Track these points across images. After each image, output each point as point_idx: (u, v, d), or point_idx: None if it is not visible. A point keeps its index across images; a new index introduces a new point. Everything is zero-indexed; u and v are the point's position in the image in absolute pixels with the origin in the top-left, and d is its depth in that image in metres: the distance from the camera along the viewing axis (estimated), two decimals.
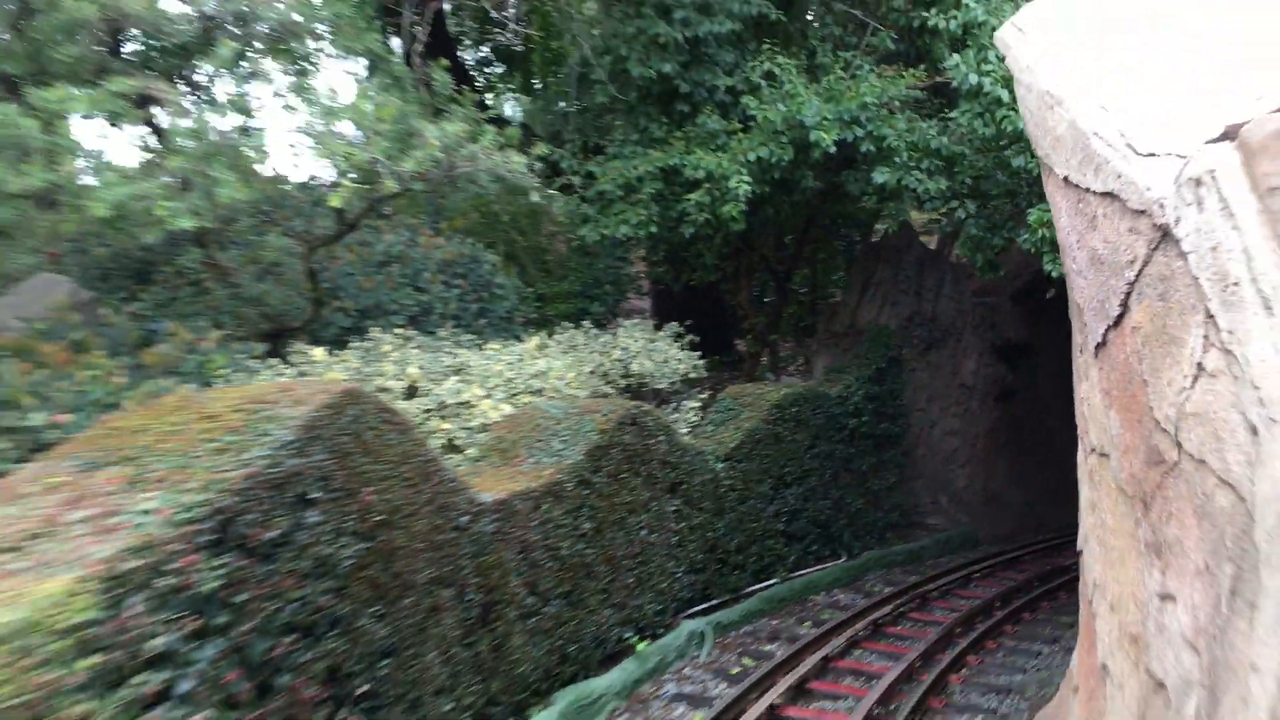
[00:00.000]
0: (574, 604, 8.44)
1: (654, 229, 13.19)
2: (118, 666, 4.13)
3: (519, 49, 17.98)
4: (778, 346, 19.01)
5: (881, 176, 12.39)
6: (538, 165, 11.59)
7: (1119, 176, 5.29)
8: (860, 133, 12.34)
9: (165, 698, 4.37)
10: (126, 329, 9.45)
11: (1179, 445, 4.55)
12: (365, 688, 5.85)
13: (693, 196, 12.58)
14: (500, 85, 20.36)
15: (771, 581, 12.13)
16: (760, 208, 13.69)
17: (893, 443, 15.47)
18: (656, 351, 13.06)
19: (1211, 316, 4.33)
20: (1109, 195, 5.45)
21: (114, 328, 9.31)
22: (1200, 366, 4.39)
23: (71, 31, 7.55)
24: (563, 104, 15.29)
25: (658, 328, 14.12)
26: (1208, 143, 4.77)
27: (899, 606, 12.09)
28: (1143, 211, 5.01)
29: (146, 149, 9.05)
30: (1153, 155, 5.20)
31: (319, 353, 9.84)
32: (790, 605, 12.14)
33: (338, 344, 10.69)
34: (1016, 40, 6.84)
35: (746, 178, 12.08)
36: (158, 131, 8.85)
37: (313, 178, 9.10)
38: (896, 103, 12.88)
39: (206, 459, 4.92)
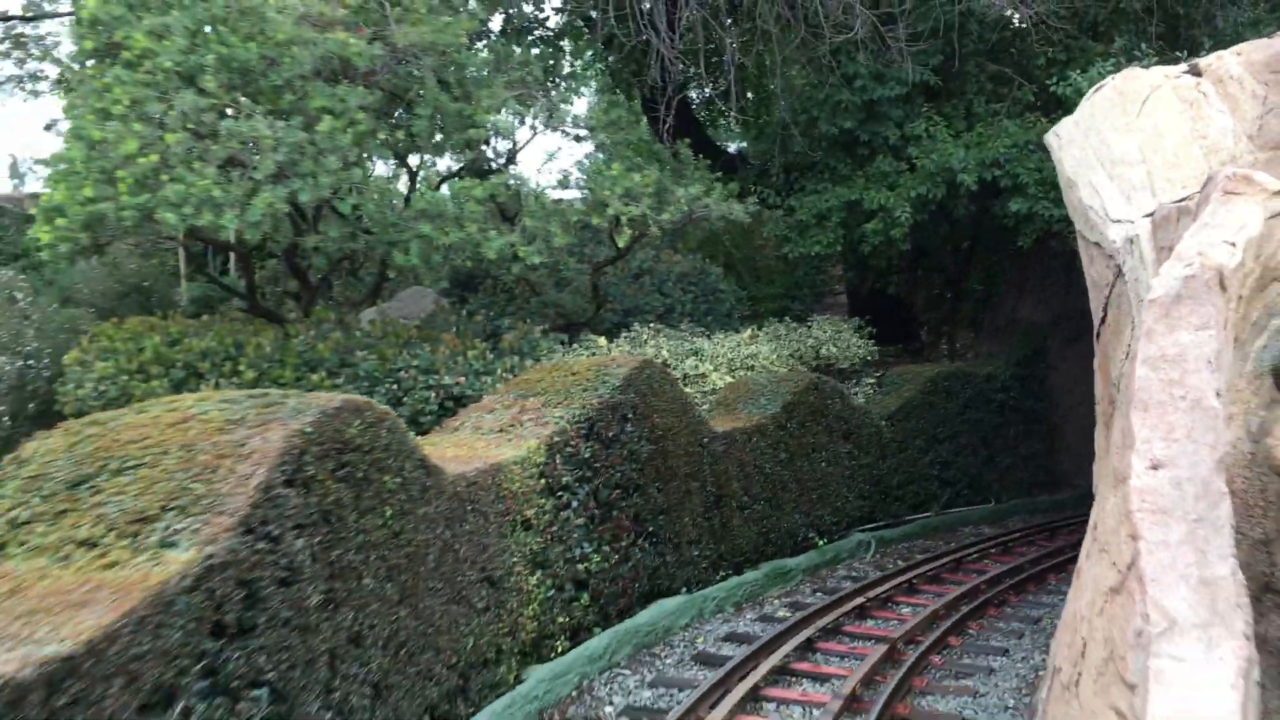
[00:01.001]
0: (774, 506, 12.73)
1: (839, 248, 17.29)
2: (549, 487, 8.72)
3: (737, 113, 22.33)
4: (954, 337, 22.66)
5: (1016, 206, 16.07)
6: (751, 199, 15.87)
7: (1102, 234, 9.17)
8: (999, 172, 16.05)
9: (567, 506, 8.94)
10: (480, 324, 14.38)
11: (1119, 392, 8.44)
12: (650, 529, 10.32)
13: (868, 226, 16.62)
14: (725, 122, 24.74)
15: (926, 514, 16.06)
16: (924, 229, 17.55)
17: (1039, 417, 19.00)
18: (841, 339, 17.16)
19: (1136, 317, 8.23)
20: (1097, 244, 9.31)
21: (474, 322, 14.25)
22: (1129, 347, 8.26)
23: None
24: (770, 146, 19.54)
25: (844, 321, 18.17)
26: (1143, 217, 8.64)
27: (1028, 535, 15.79)
28: (1111, 255, 8.90)
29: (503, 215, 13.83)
30: (1118, 221, 9.07)
31: (601, 341, 14.49)
32: (941, 532, 16.04)
33: (610, 334, 15.36)
34: (1054, 142, 10.62)
35: (908, 209, 16.02)
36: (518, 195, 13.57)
37: (594, 223, 13.52)
38: (1031, 145, 16.48)
39: (578, 393, 9.49)
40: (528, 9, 16.89)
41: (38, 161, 17.12)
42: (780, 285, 19.52)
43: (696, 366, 14.13)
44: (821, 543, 13.64)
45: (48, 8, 17.43)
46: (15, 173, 25.31)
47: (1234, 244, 7.08)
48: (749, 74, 19.01)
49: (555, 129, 14.32)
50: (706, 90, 22.10)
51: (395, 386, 11.92)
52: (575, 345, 14.37)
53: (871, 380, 17.17)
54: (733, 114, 17.57)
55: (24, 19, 17.95)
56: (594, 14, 15.95)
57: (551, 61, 16.01)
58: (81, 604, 4.01)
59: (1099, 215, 9.48)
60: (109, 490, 4.94)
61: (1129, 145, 9.93)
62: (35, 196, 13.86)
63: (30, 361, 12.92)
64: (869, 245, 17.12)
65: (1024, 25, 17.69)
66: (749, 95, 20.19)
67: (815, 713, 8.26)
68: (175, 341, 12.41)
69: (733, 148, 23.27)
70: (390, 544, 6.27)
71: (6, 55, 18.24)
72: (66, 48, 16.95)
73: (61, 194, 10.82)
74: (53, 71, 17.58)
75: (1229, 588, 5.63)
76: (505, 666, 8.00)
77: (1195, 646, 5.60)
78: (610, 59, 18.66)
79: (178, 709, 4.29)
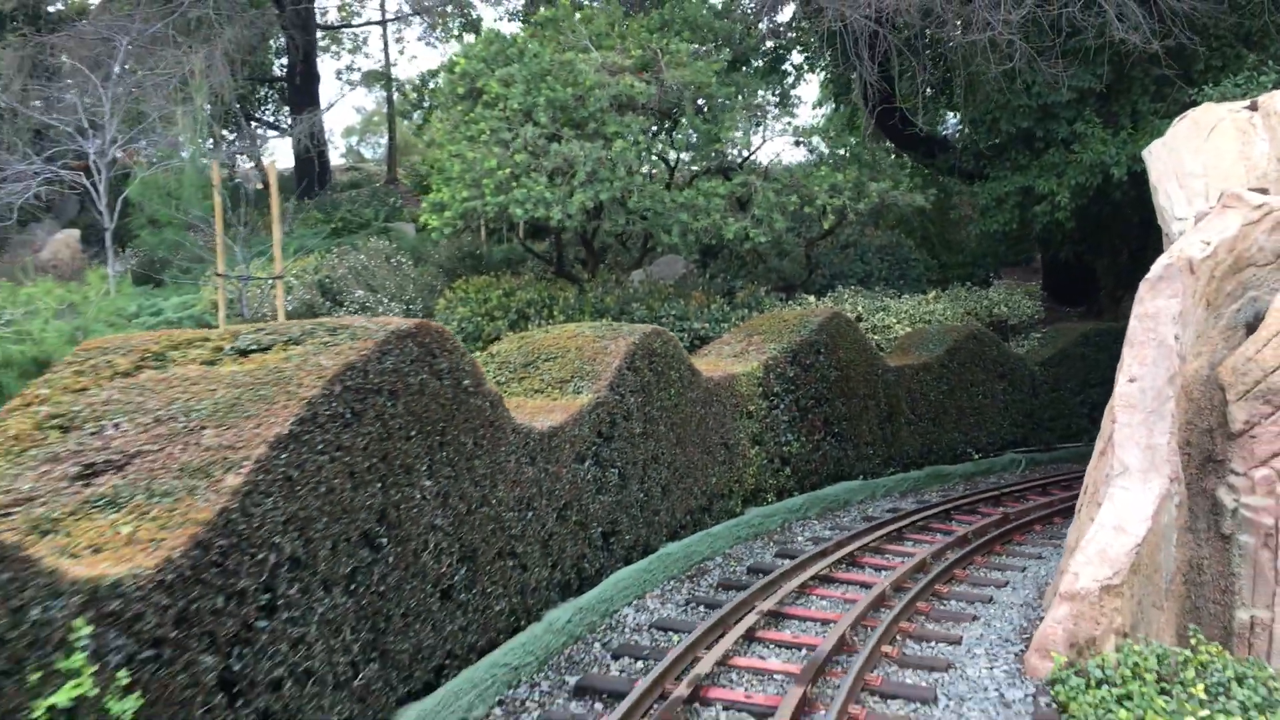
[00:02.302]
0: (935, 425, 16.95)
1: (1014, 226, 21.04)
2: (765, 393, 13.38)
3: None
4: (1129, 299, 25.75)
5: None
6: (931, 190, 19.89)
7: (1169, 229, 13.01)
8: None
9: (776, 407, 13.59)
10: (719, 284, 19.17)
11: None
12: (836, 430, 14.84)
13: (1037, 208, 20.31)
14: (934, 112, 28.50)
15: (1076, 443, 19.77)
16: (1086, 211, 21.03)
17: None
18: (1013, 300, 20.96)
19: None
20: (1167, 236, 13.15)
21: (715, 283, 19.06)
22: None
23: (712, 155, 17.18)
24: (959, 137, 23.35)
25: (1022, 285, 21.87)
26: (1192, 218, 12.48)
27: None
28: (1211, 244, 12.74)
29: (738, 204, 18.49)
30: (1179, 219, 12.91)
31: (811, 299, 18.98)
32: (1086, 459, 19.70)
33: (820, 294, 19.81)
34: (1148, 157, 14.33)
35: (1068, 195, 19.63)
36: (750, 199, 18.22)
37: (806, 211, 17.91)
38: None
39: (786, 334, 14.09)
40: (766, 43, 21.47)
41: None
42: (969, 255, 23.36)
43: (884, 319, 18.44)
44: (977, 457, 17.75)
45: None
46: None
47: (1208, 242, 11.03)
48: (939, 78, 22.79)
49: (780, 136, 18.75)
50: (921, 85, 25.97)
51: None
52: (790, 301, 18.95)
53: (1038, 334, 20.89)
54: (919, 125, 21.51)
55: (348, 26, 23.70)
56: (813, 42, 20.32)
57: (778, 88, 20.48)
58: (552, 410, 9.02)
59: (1168, 215, 13.38)
60: (543, 369, 9.99)
61: (1196, 163, 13.77)
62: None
63: (410, 306, 18.64)
64: (1039, 224, 20.79)
65: (1187, 37, 20.78)
66: (943, 96, 23.93)
67: (933, 545, 12.63)
68: (509, 294, 17.78)
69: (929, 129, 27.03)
70: (672, 410, 11.13)
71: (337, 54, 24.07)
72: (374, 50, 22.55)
73: (445, 194, 16.26)
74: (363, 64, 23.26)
75: (1163, 451, 9.82)
76: (733, 502, 12.79)
77: (1137, 482, 9.84)
78: (831, 72, 22.95)
79: (585, 464, 9.27)
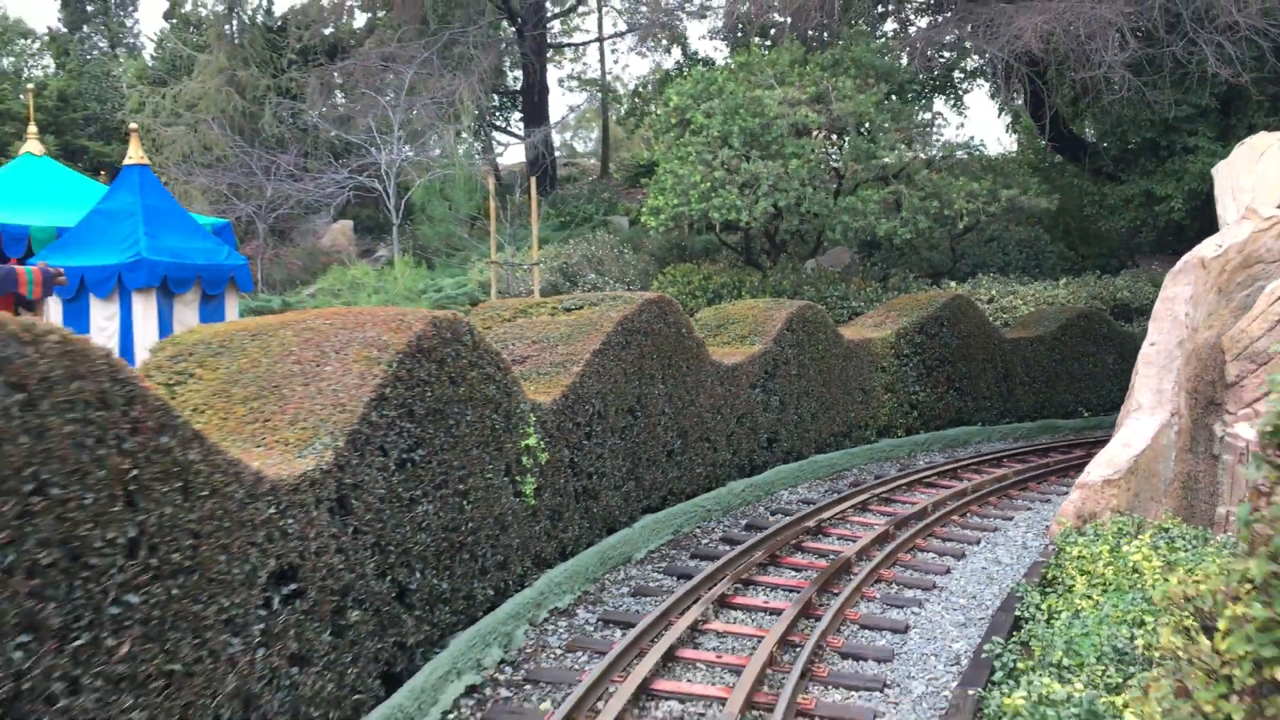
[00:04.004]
0: (1048, 386, 21.00)
1: (1138, 224, 24.60)
2: (896, 353, 17.91)
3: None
4: None
5: None
6: (1055, 195, 23.71)
7: (1223, 232, 16.90)
8: None
9: (906, 364, 18.11)
10: (876, 271, 23.66)
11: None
12: (957, 385, 19.19)
13: (1158, 208, 23.85)
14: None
15: None
16: (1204, 210, 24.37)
17: None
18: (1136, 286, 24.54)
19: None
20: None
21: (872, 270, 23.57)
22: None
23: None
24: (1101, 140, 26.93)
25: (1147, 272, 25.33)
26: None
27: None
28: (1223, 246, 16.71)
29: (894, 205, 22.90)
30: (1226, 225, 16.80)
31: (954, 285, 23.20)
32: None
33: (962, 281, 23.99)
34: (1214, 174, 18.03)
35: (1181, 199, 23.12)
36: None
37: (946, 214, 22.11)
38: None
39: (917, 310, 18.54)
40: (920, 75, 25.78)
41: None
42: (1104, 246, 26.93)
43: (1012, 301, 22.54)
44: (1087, 415, 21.67)
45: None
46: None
47: (1220, 245, 14.97)
48: (1075, 96, 26.42)
49: (927, 152, 23.16)
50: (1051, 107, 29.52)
51: (824, 305, 21.54)
52: (934, 286, 23.25)
53: None
54: (1046, 143, 25.30)
55: (572, 45, 29.02)
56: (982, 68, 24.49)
57: (931, 108, 24.73)
58: (735, 354, 14.00)
59: (1223, 222, 17.22)
60: (730, 329, 14.97)
61: (1248, 181, 17.59)
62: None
63: (630, 287, 23.92)
64: (1161, 220, 24.30)
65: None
66: (1083, 108, 27.52)
67: (1020, 468, 16.90)
68: (707, 278, 22.80)
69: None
70: (819, 360, 15.88)
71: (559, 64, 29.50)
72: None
73: (660, 201, 21.39)
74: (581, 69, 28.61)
75: (1168, 394, 14.06)
76: (869, 432, 17.43)
77: (1146, 415, 14.10)
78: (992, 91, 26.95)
79: (755, 390, 14.20)
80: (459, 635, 7.71)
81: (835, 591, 10.28)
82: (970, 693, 7.62)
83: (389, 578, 6.59)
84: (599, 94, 46.23)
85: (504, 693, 7.80)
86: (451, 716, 7.22)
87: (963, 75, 27.53)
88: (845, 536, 12.49)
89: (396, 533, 6.65)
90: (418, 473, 6.96)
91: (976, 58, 27.68)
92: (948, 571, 11.40)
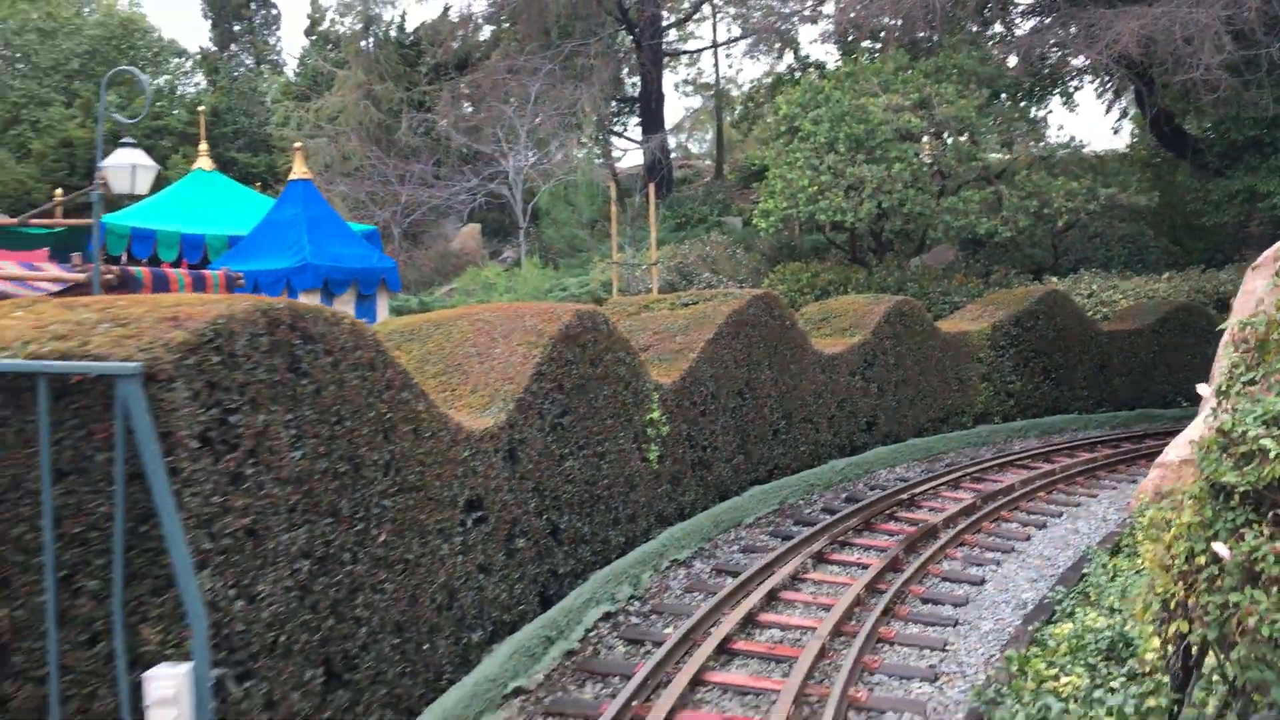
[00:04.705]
0: (1145, 377, 21.80)
1: (1242, 217, 25.10)
2: (992, 345, 19.06)
3: None
4: None
5: None
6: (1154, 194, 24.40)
7: None
8: None
9: (1002, 355, 19.23)
10: (978, 268, 24.69)
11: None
12: (1052, 375, 20.19)
13: (1260, 205, 24.35)
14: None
15: None
16: None
17: None
18: (1240, 279, 25.02)
19: None
20: None
21: (974, 268, 24.61)
22: None
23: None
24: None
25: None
26: None
27: None
28: None
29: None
30: None
31: (1055, 280, 24.11)
32: None
33: (1062, 277, 24.86)
34: None
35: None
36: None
37: (1045, 212, 23.03)
38: None
39: (1013, 303, 19.63)
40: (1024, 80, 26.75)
41: None
42: (1209, 241, 27.38)
43: (1112, 295, 23.36)
44: (1185, 404, 22.37)
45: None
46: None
47: None
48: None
49: (1027, 153, 24.11)
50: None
51: (927, 300, 22.74)
52: (1036, 282, 24.19)
53: None
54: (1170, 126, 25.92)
55: (687, 52, 30.55)
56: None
57: (1032, 112, 25.69)
58: (836, 345, 15.44)
59: None
60: (832, 322, 16.43)
61: None
62: None
63: (742, 285, 25.42)
64: (1265, 215, 24.77)
65: None
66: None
67: (1111, 453, 17.89)
68: (815, 275, 24.18)
69: None
70: (916, 351, 17.17)
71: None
72: None
73: (770, 204, 22.85)
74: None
75: None
76: (965, 418, 18.62)
77: None
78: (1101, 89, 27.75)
79: (855, 377, 15.61)
80: (597, 572, 9.39)
81: (921, 551, 11.67)
82: (1029, 628, 9.00)
83: (545, 517, 8.29)
84: (713, 98, 47.74)
85: (633, 619, 9.46)
86: (592, 633, 8.91)
87: (1070, 75, 28.28)
88: (935, 508, 13.82)
89: (550, 481, 8.35)
90: (565, 435, 8.66)
91: (1082, 58, 28.45)
92: (1028, 539, 12.67)
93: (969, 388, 18.65)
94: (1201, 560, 5.07)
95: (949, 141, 23.14)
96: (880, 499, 13.65)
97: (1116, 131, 34.46)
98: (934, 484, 14.89)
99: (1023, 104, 27.05)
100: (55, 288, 17.32)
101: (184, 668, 4.00)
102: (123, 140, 15.25)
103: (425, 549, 6.23)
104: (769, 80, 41.75)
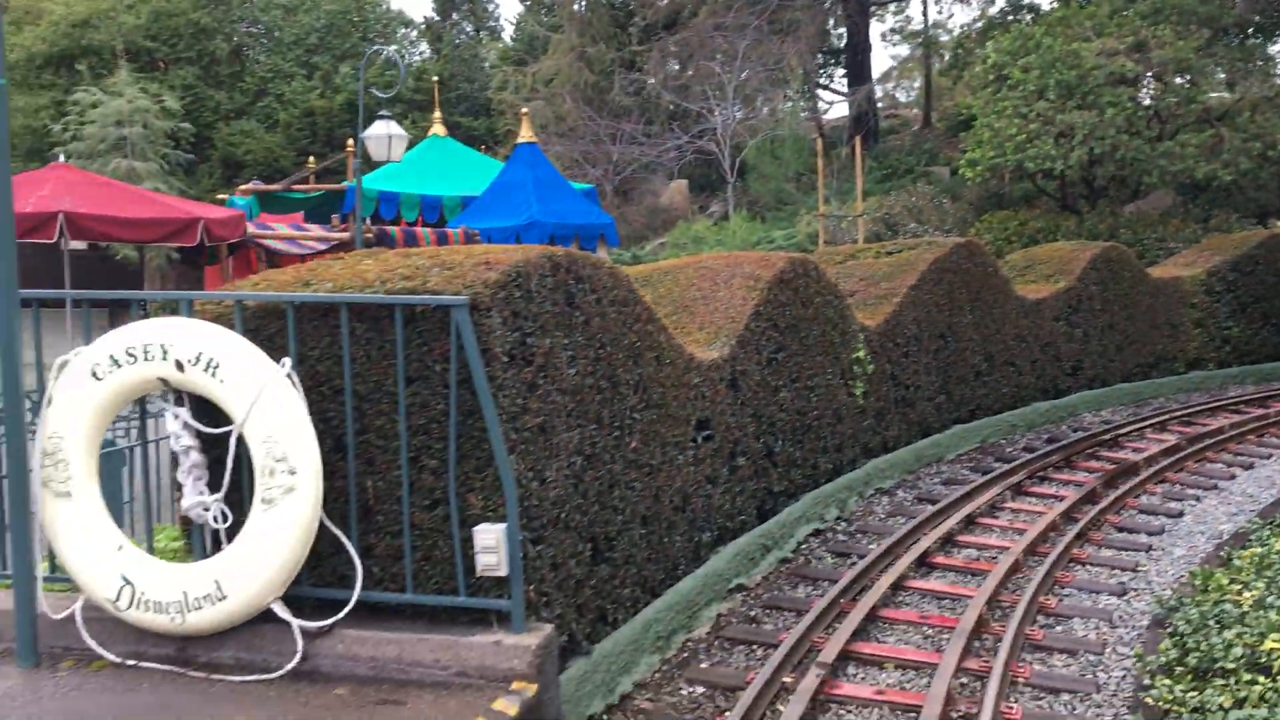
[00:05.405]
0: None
1: None
2: (1207, 291, 18.85)
3: None
4: None
5: None
6: None
7: None
8: None
9: (1219, 301, 19.01)
10: (1195, 214, 24.14)
11: None
12: (1275, 321, 19.74)
13: None
14: None
15: None
16: None
17: None
18: None
19: None
20: None
21: (1191, 213, 24.07)
22: None
23: None
24: None
25: None
26: None
27: None
28: None
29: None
30: None
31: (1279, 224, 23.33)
32: None
33: None
34: None
35: None
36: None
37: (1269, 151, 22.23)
38: None
39: (1228, 249, 19.32)
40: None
41: None
42: None
43: None
44: None
45: None
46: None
47: None
48: None
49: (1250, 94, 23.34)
50: None
51: (1141, 248, 22.50)
52: (1261, 226, 23.48)
53: None
54: None
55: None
56: None
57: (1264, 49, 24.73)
58: (1040, 291, 15.85)
59: None
60: (1036, 269, 16.82)
61: None
62: None
63: (947, 235, 25.68)
64: None
65: None
66: None
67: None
68: (1023, 224, 24.23)
69: None
70: (1124, 297, 17.30)
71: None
72: None
73: (978, 153, 23.05)
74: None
75: None
76: (1177, 364, 18.55)
77: None
78: None
79: (1058, 323, 15.98)
80: (806, 494, 10.44)
81: (1119, 486, 12.18)
82: (1220, 553, 9.53)
83: (761, 440, 9.40)
84: (921, 46, 47.22)
85: (840, 537, 10.49)
86: (803, 545, 10.01)
87: None
88: (1138, 449, 14.17)
89: (766, 409, 9.44)
90: (779, 368, 9.72)
91: None
92: (1232, 478, 12.93)
93: (1181, 333, 18.58)
94: None
95: (1165, 84, 22.70)
96: (1082, 439, 14.12)
97: None
98: (1139, 426, 15.17)
99: (1250, 42, 26.00)
100: (321, 246, 19.61)
101: (500, 526, 5.31)
102: (379, 114, 17.15)
103: (665, 457, 7.45)
104: (980, 25, 41.04)
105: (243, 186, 23.50)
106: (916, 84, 54.84)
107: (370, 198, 23.10)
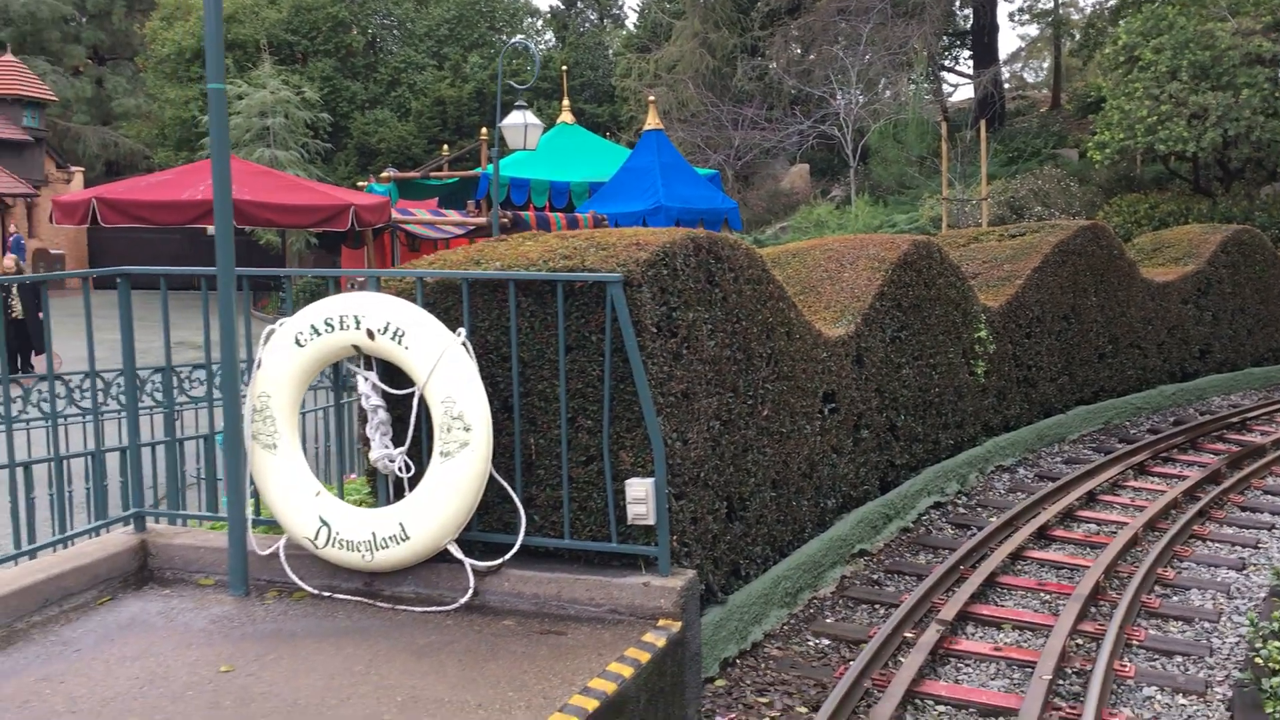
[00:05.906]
0: None
1: None
2: None
3: None
4: None
5: None
6: None
7: None
8: None
9: None
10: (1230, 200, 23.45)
11: None
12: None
13: None
14: None
15: None
16: None
17: None
18: None
19: None
20: None
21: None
22: None
23: None
24: None
25: None
26: None
27: None
28: None
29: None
30: None
31: None
32: None
33: None
34: None
35: None
36: None
37: None
38: None
39: None
40: None
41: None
42: None
43: None
44: None
45: None
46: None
47: None
48: None
49: None
50: None
51: (1277, 230, 22.01)
52: None
53: None
54: None
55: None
56: None
57: None
58: (1168, 274, 15.81)
59: None
60: (1164, 252, 16.74)
61: None
62: None
63: (1075, 216, 25.44)
64: None
65: None
66: None
67: None
68: (1154, 207, 23.88)
69: None
70: (1256, 281, 17.09)
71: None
72: None
73: (1107, 136, 22.81)
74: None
75: None
76: None
77: None
78: None
79: (1186, 306, 15.92)
80: (927, 469, 10.84)
81: (1245, 468, 12.22)
82: None
83: (884, 414, 9.84)
84: (1051, 26, 46.31)
85: (960, 510, 10.86)
86: (924, 516, 10.42)
87: None
88: (1266, 432, 14.12)
89: (889, 385, 9.87)
90: (902, 346, 10.14)
91: None
92: None
93: None
94: None
95: None
96: (1209, 422, 14.14)
97: None
98: (1269, 410, 15.07)
99: None
100: (458, 231, 20.59)
101: (649, 480, 5.93)
102: (516, 104, 17.96)
103: (794, 426, 7.98)
104: (1111, 4, 40.11)
105: (383, 174, 24.65)
106: (1045, 64, 53.78)
107: (502, 184, 24.07)
